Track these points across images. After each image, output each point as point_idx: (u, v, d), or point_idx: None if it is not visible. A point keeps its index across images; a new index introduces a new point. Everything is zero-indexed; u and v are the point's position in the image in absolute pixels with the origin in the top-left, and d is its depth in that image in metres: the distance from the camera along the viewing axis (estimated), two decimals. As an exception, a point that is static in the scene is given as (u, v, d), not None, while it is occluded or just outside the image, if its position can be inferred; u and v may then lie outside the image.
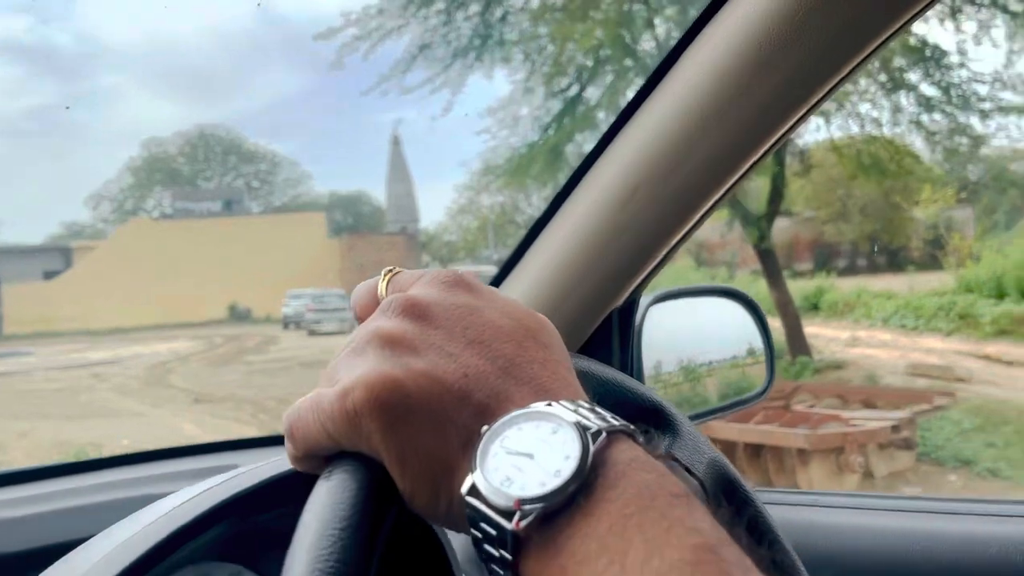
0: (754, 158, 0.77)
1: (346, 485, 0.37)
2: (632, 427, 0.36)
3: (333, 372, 0.40)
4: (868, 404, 5.86)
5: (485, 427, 0.35)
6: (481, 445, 0.35)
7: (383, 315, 0.41)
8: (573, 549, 0.31)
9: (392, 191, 26.87)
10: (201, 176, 32.76)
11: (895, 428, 5.11)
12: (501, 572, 0.34)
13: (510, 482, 0.33)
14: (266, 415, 8.51)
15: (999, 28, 7.75)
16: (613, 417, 0.35)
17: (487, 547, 0.34)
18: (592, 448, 0.33)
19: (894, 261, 16.16)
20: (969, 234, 14.24)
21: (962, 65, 7.79)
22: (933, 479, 5.11)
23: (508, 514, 0.33)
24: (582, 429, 0.34)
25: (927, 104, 7.99)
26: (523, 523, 0.32)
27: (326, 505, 0.37)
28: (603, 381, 0.59)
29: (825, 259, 16.94)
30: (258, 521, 0.67)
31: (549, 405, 0.35)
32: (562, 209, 0.89)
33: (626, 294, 0.90)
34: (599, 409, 0.36)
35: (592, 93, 8.55)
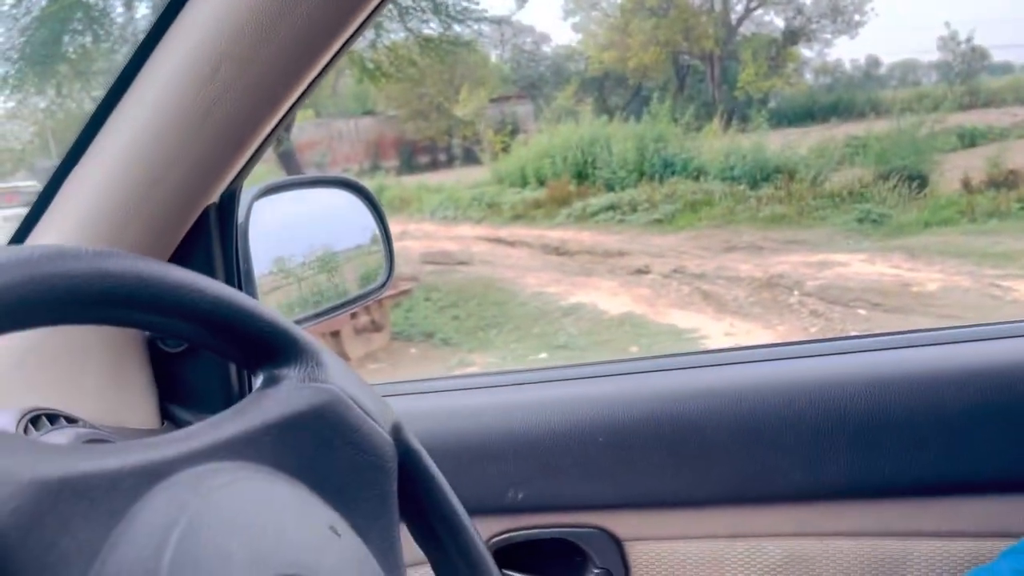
0: (338, 42, 0.72)
1: None
2: None
3: None
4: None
5: None
6: None
7: None
8: None
9: (-89, 95, 22.21)
10: None
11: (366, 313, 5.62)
12: None
13: None
14: None
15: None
16: None
17: None
18: None
19: (468, 157, 17.45)
20: (531, 127, 15.80)
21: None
22: (399, 353, 5.78)
23: None
24: None
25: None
26: None
27: None
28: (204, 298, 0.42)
29: (408, 156, 17.70)
30: None
31: None
32: (124, 100, 0.75)
33: (220, 188, 0.80)
34: None
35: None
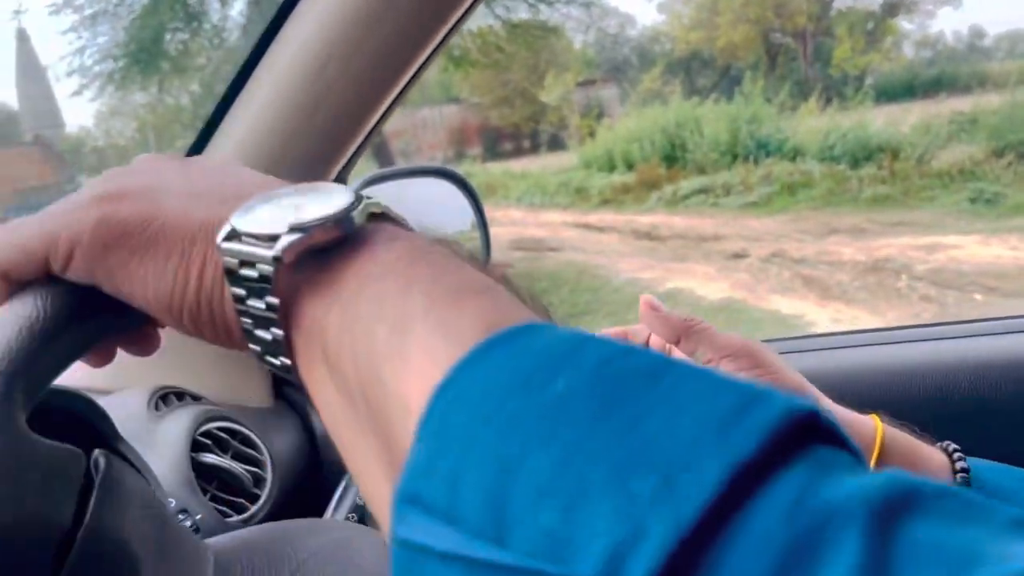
0: (439, 36, 0.75)
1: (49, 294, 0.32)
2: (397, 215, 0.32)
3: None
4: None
5: (237, 212, 0.30)
6: (246, 204, 0.30)
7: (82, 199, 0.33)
8: (339, 287, 0.27)
9: (24, 94, 23.51)
10: None
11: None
12: (270, 337, 0.29)
13: (274, 222, 0.28)
14: None
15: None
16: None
17: (251, 302, 0.29)
18: (362, 204, 0.29)
19: (553, 143, 17.35)
20: (616, 112, 15.61)
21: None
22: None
23: (270, 248, 0.28)
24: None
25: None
26: (289, 247, 0.27)
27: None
28: None
29: (492, 143, 17.73)
30: None
31: None
32: (240, 97, 0.81)
33: (329, 181, 0.82)
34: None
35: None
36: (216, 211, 0.31)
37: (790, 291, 6.14)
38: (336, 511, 0.82)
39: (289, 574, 0.39)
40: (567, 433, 0.19)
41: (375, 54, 0.75)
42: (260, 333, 0.30)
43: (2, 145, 23.38)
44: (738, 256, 7.24)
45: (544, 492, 0.18)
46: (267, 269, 0.28)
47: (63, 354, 0.32)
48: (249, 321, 0.30)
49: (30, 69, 24.93)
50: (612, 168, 11.33)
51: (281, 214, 0.29)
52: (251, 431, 0.85)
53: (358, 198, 0.29)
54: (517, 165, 13.93)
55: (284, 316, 0.29)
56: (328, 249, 0.28)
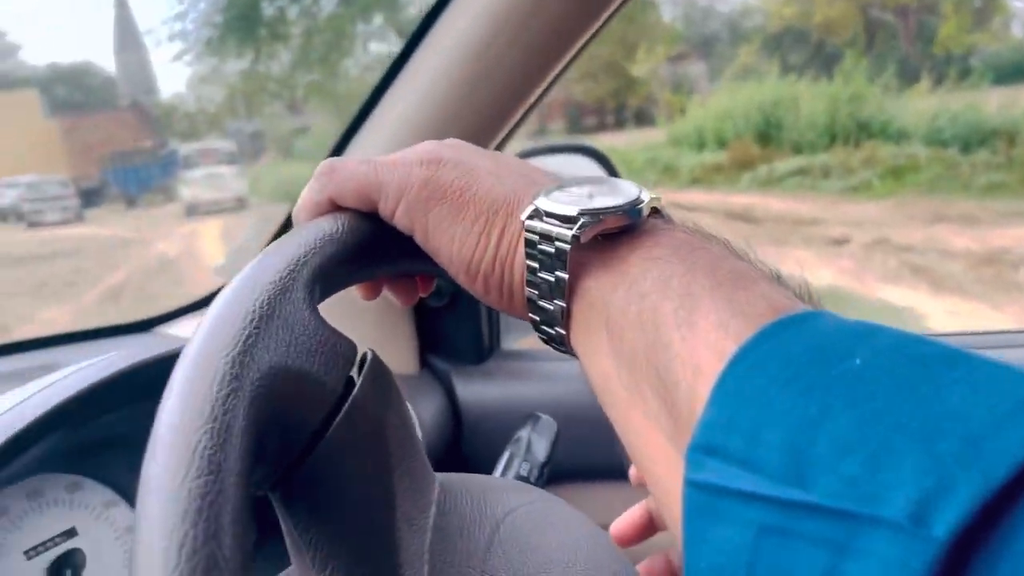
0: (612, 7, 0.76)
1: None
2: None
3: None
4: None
5: (544, 188, 0.34)
6: (544, 189, 0.34)
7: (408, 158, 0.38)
8: (625, 268, 0.31)
9: (122, 60, 24.25)
10: None
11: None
12: (552, 307, 0.33)
13: (572, 205, 0.32)
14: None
15: None
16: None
17: (541, 274, 0.33)
18: (647, 198, 0.33)
19: (639, 119, 17.04)
20: (704, 88, 15.22)
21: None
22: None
23: (569, 228, 0.32)
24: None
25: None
26: (584, 228, 0.31)
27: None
28: None
29: (575, 118, 17.51)
30: (96, 426, 0.60)
31: None
32: (405, 70, 0.84)
33: None
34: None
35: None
36: (516, 190, 0.35)
37: (899, 280, 5.84)
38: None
39: (490, 529, 0.39)
40: (868, 400, 0.21)
41: (541, 31, 0.76)
42: (543, 304, 0.33)
43: (101, 110, 24.22)
44: (839, 242, 6.94)
45: (847, 447, 0.20)
46: (563, 247, 0.31)
47: (355, 269, 0.37)
48: (535, 292, 0.33)
49: (128, 36, 25.71)
50: (702, 146, 11.02)
51: (576, 200, 0.32)
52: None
53: (642, 193, 0.33)
54: (602, 141, 13.69)
55: (569, 290, 0.32)
56: (615, 234, 0.32)
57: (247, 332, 0.29)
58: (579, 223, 0.31)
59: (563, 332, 0.33)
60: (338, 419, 0.33)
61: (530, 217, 0.33)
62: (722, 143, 10.79)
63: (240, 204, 13.70)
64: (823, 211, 7.97)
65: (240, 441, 0.26)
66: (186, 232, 11.96)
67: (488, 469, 0.79)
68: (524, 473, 0.74)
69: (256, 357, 0.29)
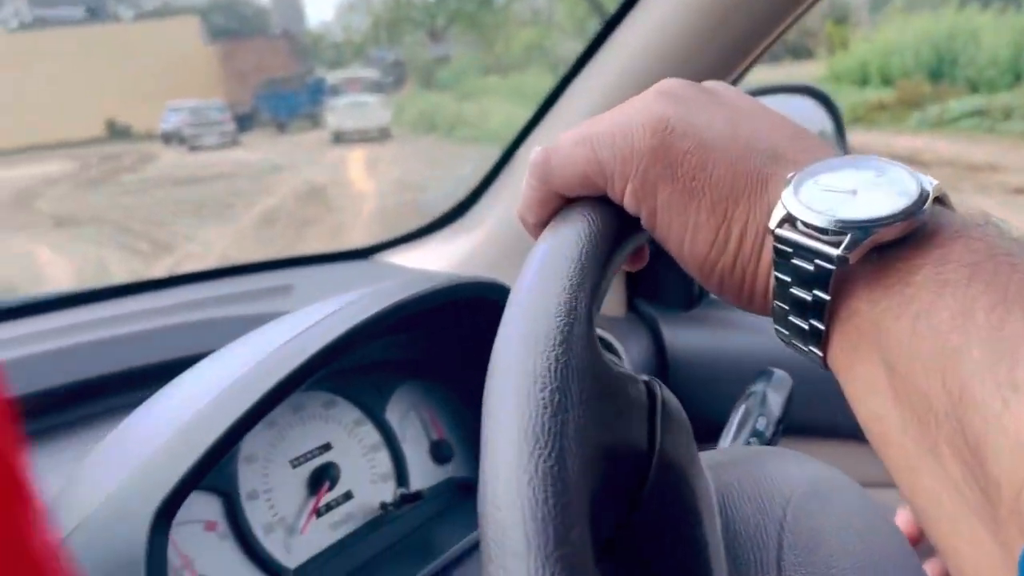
0: None
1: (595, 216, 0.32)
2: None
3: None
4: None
5: (791, 173, 0.29)
6: (794, 179, 0.28)
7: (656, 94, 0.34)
8: (910, 292, 0.25)
9: (273, -10, 25.01)
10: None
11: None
12: (806, 327, 0.28)
13: (833, 211, 0.26)
14: (128, 236, 8.33)
15: None
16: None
17: (794, 291, 0.28)
18: (931, 191, 0.26)
19: (795, 52, 16.07)
20: (863, 19, 14.17)
21: None
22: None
23: (832, 243, 0.26)
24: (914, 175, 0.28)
25: None
26: (852, 248, 0.26)
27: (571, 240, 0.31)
28: None
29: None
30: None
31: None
32: (629, 17, 0.84)
33: None
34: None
35: None
36: (757, 168, 0.30)
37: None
38: (736, 437, 0.71)
39: (780, 509, 0.36)
40: None
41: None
42: (794, 319, 0.29)
43: (254, 37, 25.22)
44: (1021, 191, 6.35)
45: None
46: (826, 266, 0.26)
47: (612, 269, 0.32)
48: (784, 307, 0.29)
49: (280, -35, 26.48)
50: (865, 82, 10.28)
51: (837, 201, 0.27)
52: (612, 339, 0.92)
53: (924, 184, 0.26)
54: (757, 75, 13.03)
55: (831, 312, 0.27)
56: (889, 244, 0.26)
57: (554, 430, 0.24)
58: (846, 239, 0.26)
59: (818, 353, 0.28)
60: (651, 479, 0.30)
61: (780, 224, 0.28)
62: (887, 80, 10.03)
63: (384, 134, 14.02)
64: (1003, 156, 7.29)
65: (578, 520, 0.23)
66: (334, 159, 12.37)
67: (695, 414, 0.75)
68: (761, 428, 0.71)
69: (570, 447, 0.24)
